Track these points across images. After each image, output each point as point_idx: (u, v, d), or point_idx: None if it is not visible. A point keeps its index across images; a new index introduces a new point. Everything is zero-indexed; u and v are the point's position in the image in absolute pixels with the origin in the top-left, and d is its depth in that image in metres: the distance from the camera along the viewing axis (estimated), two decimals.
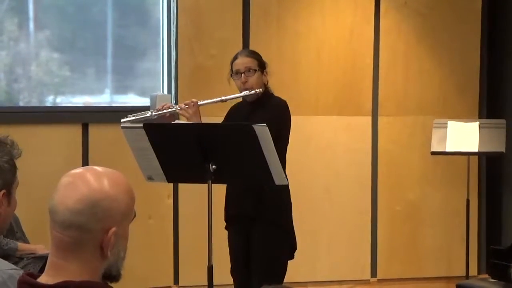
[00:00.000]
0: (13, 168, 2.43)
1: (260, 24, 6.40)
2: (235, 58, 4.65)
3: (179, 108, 4.56)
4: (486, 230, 6.85)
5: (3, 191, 2.37)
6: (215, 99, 4.63)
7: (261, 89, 4.57)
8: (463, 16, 6.71)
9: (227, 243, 4.71)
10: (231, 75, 4.64)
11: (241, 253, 4.61)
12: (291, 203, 4.62)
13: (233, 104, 4.81)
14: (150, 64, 6.50)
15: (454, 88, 6.74)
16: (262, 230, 4.50)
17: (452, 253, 6.68)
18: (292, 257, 4.65)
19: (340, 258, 6.57)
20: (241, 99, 4.75)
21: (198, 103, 4.54)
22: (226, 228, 4.71)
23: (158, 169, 4.21)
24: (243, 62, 4.59)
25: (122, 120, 4.47)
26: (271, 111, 4.52)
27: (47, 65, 6.34)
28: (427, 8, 6.66)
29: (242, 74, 4.56)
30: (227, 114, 4.78)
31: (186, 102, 4.55)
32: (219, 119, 4.81)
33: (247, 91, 4.56)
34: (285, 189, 4.45)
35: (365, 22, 6.58)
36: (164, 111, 4.52)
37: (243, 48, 6.27)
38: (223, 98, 4.63)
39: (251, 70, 4.56)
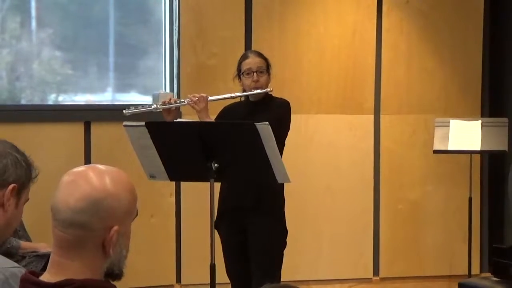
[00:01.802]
0: (28, 172, 2.43)
1: (262, 23, 6.40)
2: (246, 57, 4.68)
3: (187, 101, 4.55)
4: (488, 228, 6.84)
5: (14, 185, 2.36)
6: (225, 95, 4.68)
7: (271, 89, 4.63)
8: (465, 15, 6.70)
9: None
10: (241, 73, 4.64)
11: (236, 250, 4.61)
12: (284, 198, 4.66)
13: (226, 104, 4.81)
14: (152, 62, 6.50)
15: (456, 86, 6.74)
16: (260, 222, 4.51)
17: (455, 252, 6.68)
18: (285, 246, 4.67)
19: (342, 257, 6.57)
20: (236, 99, 4.76)
21: (208, 98, 4.55)
22: (216, 226, 4.67)
23: (160, 167, 4.21)
24: (255, 61, 4.63)
25: (124, 111, 4.46)
26: (275, 110, 4.54)
27: (49, 63, 6.34)
28: (429, 7, 6.65)
29: (255, 73, 4.59)
30: (220, 112, 4.76)
31: (196, 95, 4.55)
32: None
33: (258, 90, 4.58)
34: (280, 184, 4.47)
35: (367, 21, 6.58)
36: (170, 105, 4.51)
37: (245, 46, 6.27)
38: (233, 95, 4.67)
39: (263, 71, 4.61)
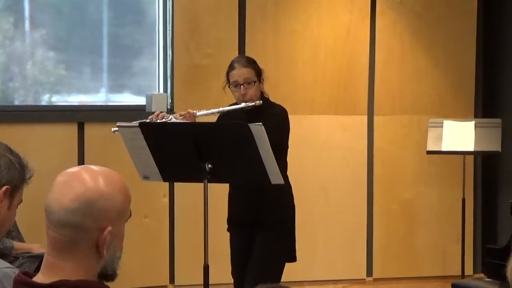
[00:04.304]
0: (22, 174, 2.43)
1: (256, 23, 6.40)
2: (232, 68, 4.46)
3: (174, 118, 4.38)
4: (481, 229, 6.85)
5: (7, 187, 2.36)
6: (212, 110, 4.48)
7: (261, 101, 4.42)
8: (458, 15, 6.71)
9: (228, 244, 4.67)
10: (229, 86, 4.48)
11: (242, 255, 4.58)
12: (294, 208, 4.57)
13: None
14: (146, 63, 6.49)
15: (449, 87, 6.75)
16: (265, 235, 4.47)
17: (448, 252, 6.69)
18: (294, 259, 4.62)
19: (336, 257, 6.57)
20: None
21: (196, 114, 4.40)
22: (228, 230, 4.68)
23: (154, 168, 4.20)
24: (241, 73, 4.41)
25: (112, 129, 4.35)
26: (272, 120, 4.35)
27: (43, 64, 6.33)
28: (423, 7, 6.66)
29: (241, 86, 4.40)
30: (218, 118, 4.64)
31: (182, 113, 4.40)
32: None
33: (247, 103, 4.40)
34: (288, 194, 4.45)
35: (361, 22, 6.58)
36: (158, 121, 4.39)
37: (239, 47, 6.27)
38: (221, 109, 4.47)
39: (250, 82, 4.41)
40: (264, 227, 4.47)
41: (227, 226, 4.67)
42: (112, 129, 4.32)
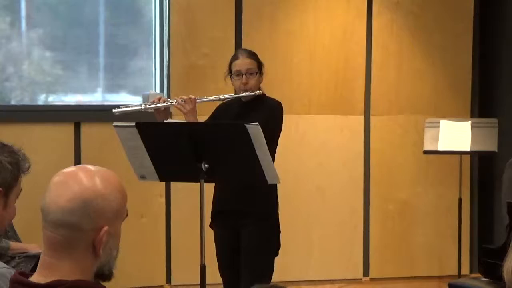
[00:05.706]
0: (15, 171, 2.42)
1: (252, 23, 6.40)
2: (236, 58, 4.61)
3: (175, 102, 4.49)
4: (478, 229, 6.86)
5: (0, 189, 2.36)
6: (213, 97, 4.62)
7: (261, 91, 4.56)
8: (455, 16, 6.72)
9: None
10: (230, 75, 4.61)
11: (229, 250, 4.59)
12: (278, 203, 4.62)
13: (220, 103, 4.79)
14: (143, 62, 6.49)
15: (446, 87, 6.75)
16: (252, 225, 4.49)
17: (444, 252, 6.69)
18: (276, 254, 4.65)
19: (332, 257, 6.57)
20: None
21: (197, 99, 4.50)
22: (211, 226, 4.67)
23: (150, 168, 4.20)
24: (244, 63, 4.56)
25: (113, 110, 4.42)
26: (266, 112, 4.49)
27: (39, 64, 6.33)
28: (420, 7, 6.67)
29: (244, 75, 4.53)
30: (214, 111, 4.73)
31: (184, 97, 4.49)
32: None
33: (247, 92, 4.53)
34: (272, 188, 4.45)
35: (357, 22, 6.59)
36: (159, 105, 4.45)
37: (235, 47, 6.27)
38: (221, 96, 4.61)
39: (252, 73, 4.55)
40: (247, 221, 4.48)
41: (210, 223, 4.67)
42: (114, 110, 4.38)
